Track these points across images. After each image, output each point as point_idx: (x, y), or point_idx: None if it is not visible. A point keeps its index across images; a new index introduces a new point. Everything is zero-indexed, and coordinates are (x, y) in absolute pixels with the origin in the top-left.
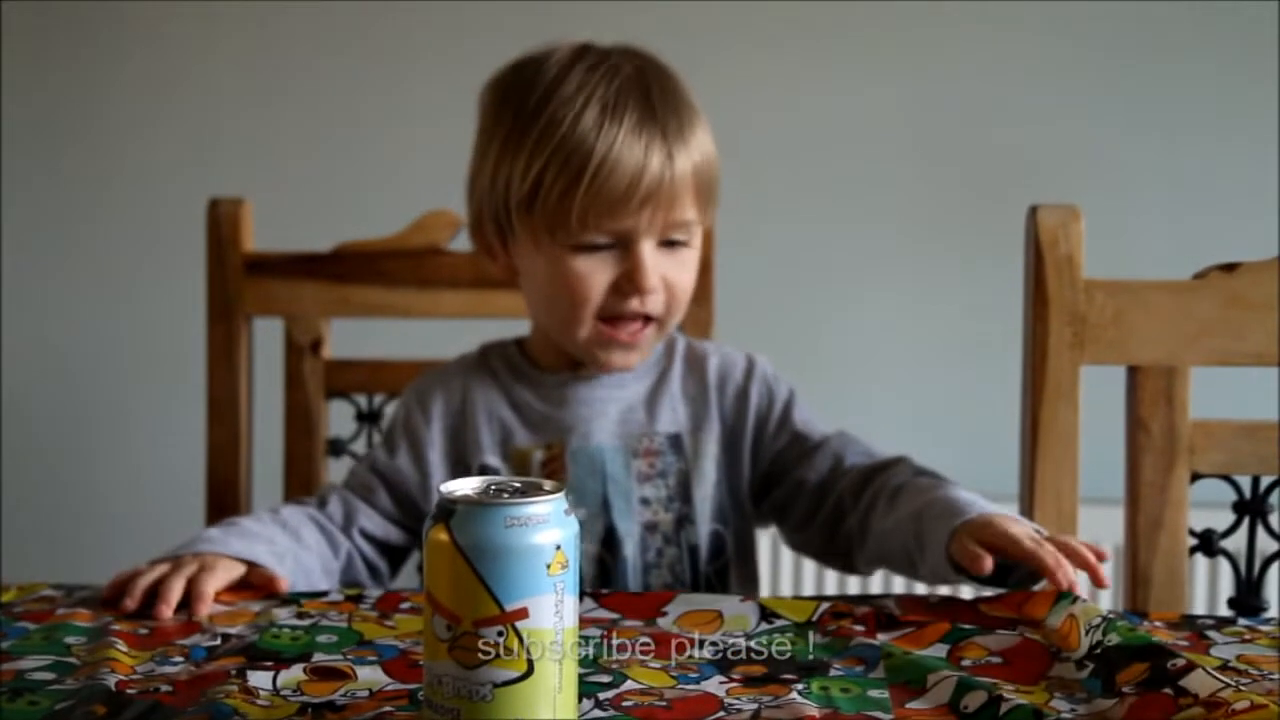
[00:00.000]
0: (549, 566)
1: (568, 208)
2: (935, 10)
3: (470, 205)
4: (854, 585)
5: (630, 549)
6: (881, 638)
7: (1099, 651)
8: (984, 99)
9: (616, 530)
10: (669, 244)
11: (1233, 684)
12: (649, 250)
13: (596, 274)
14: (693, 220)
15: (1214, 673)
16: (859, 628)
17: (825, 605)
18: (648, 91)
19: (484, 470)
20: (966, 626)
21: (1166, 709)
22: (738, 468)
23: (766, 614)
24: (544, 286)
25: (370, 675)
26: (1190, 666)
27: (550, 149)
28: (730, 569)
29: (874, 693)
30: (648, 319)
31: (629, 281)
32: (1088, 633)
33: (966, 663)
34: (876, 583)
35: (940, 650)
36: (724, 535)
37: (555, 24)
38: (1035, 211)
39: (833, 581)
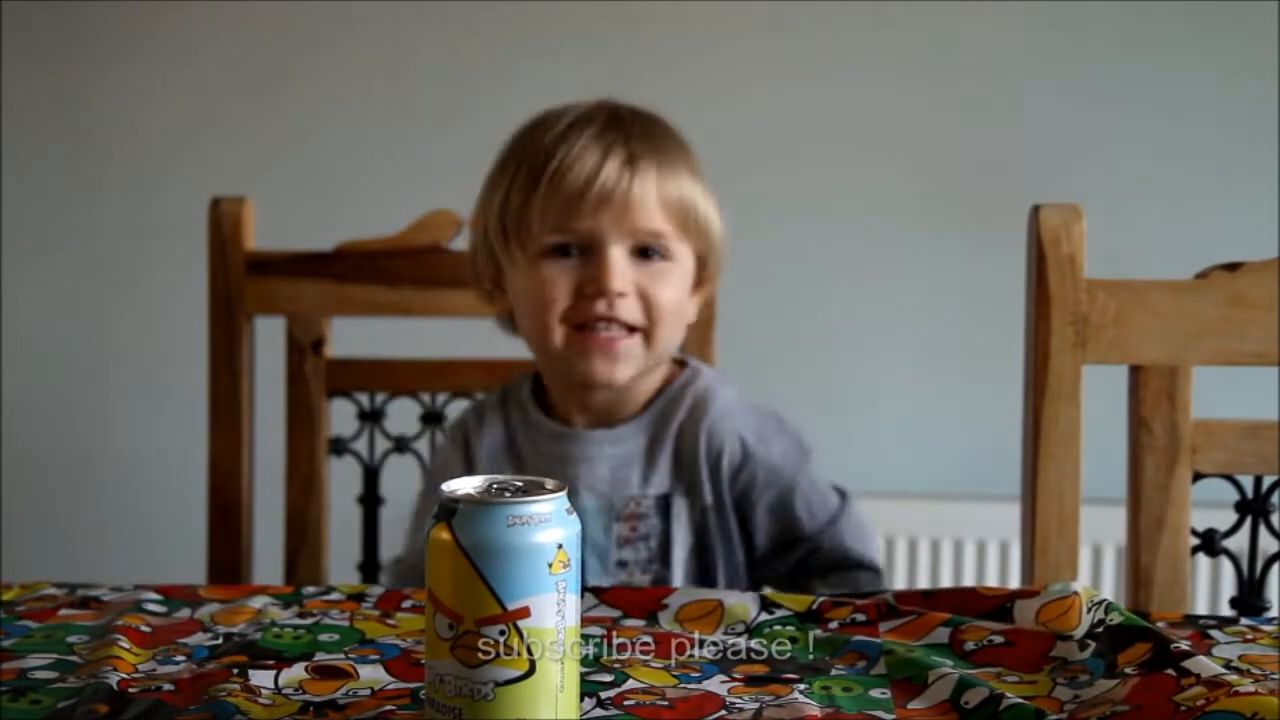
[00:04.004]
0: (551, 565)
1: (529, 212)
2: (935, 9)
3: (469, 252)
4: None
5: None
6: (883, 627)
7: (1100, 630)
8: (985, 98)
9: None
10: (644, 256)
11: (1237, 669)
12: (617, 254)
13: (562, 278)
14: (666, 234)
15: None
16: (860, 617)
17: (824, 596)
18: (619, 112)
19: None
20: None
21: (1169, 689)
22: (730, 542)
23: (767, 604)
24: (521, 302)
25: (372, 674)
26: (1193, 652)
27: (518, 165)
28: None
29: (876, 692)
30: (625, 328)
31: (593, 283)
32: (1089, 610)
33: (970, 645)
34: None
35: (942, 635)
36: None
37: (555, 24)
38: (1037, 211)
39: None
